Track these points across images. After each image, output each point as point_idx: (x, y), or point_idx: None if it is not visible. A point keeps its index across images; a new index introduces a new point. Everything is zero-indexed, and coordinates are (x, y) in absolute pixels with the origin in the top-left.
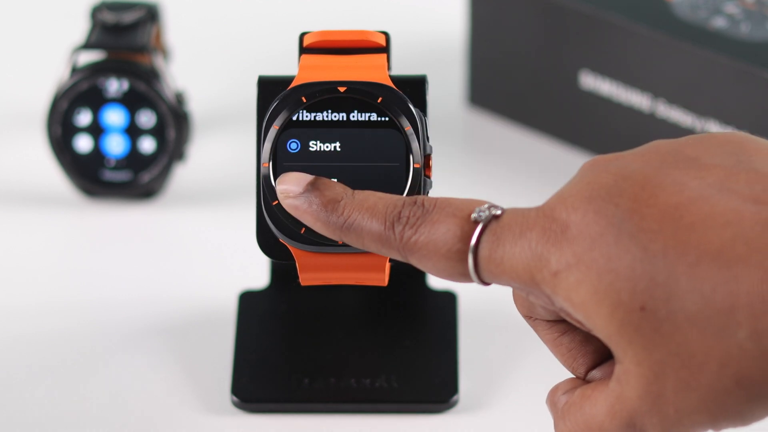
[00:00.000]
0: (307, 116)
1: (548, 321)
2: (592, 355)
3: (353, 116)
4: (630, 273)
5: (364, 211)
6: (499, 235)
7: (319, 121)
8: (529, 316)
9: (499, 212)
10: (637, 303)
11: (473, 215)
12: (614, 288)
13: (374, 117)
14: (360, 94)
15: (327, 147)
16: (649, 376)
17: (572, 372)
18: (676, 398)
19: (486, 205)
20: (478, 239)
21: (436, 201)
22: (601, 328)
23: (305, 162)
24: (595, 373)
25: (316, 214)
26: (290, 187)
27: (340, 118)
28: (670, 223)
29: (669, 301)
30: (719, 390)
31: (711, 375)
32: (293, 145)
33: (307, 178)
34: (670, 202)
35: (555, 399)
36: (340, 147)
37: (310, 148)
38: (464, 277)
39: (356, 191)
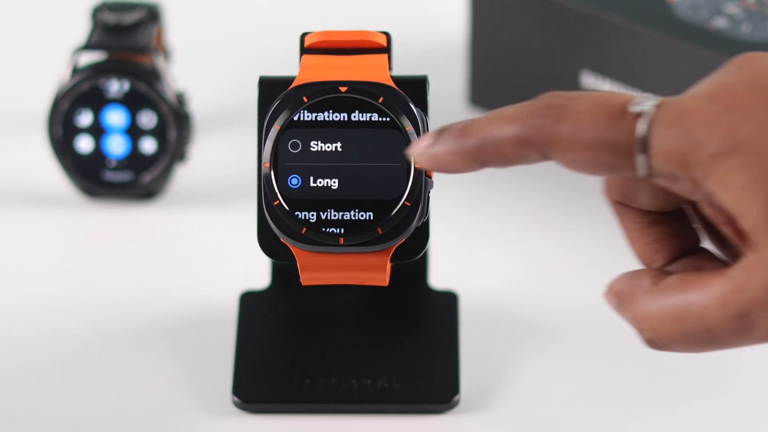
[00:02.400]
0: (308, 116)
1: (641, 210)
2: (677, 249)
3: (354, 116)
4: None
5: (495, 122)
6: (659, 121)
7: (321, 121)
8: (620, 202)
9: (657, 102)
10: None
11: (634, 108)
12: None
13: (375, 117)
14: (361, 94)
15: (328, 147)
16: None
17: (646, 264)
18: None
19: (641, 97)
20: (647, 130)
21: (574, 93)
22: (753, 214)
23: (306, 162)
24: (674, 267)
25: (454, 149)
26: (421, 143)
27: (341, 119)
28: None
29: None
30: None
31: None
32: (294, 145)
33: (430, 133)
34: None
35: (631, 285)
36: (341, 147)
37: (311, 149)
38: (608, 168)
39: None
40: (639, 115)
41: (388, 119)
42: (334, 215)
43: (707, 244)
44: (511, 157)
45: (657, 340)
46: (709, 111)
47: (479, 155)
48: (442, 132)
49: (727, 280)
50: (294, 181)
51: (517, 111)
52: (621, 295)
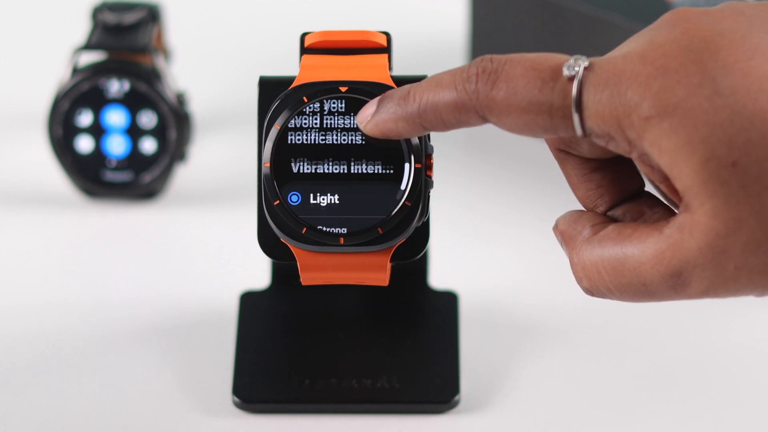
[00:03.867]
0: (308, 168)
1: (582, 158)
2: (619, 194)
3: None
4: (728, 128)
5: (433, 87)
6: (591, 84)
7: (321, 173)
8: (561, 150)
9: (587, 63)
10: (731, 158)
11: (565, 71)
12: (709, 140)
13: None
14: (361, 94)
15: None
16: (719, 231)
17: (589, 209)
18: (742, 256)
19: (572, 59)
20: (579, 92)
21: (507, 56)
22: (685, 177)
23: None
24: (617, 211)
25: (397, 116)
26: (365, 111)
27: (341, 171)
28: None
29: (763, 163)
30: None
31: None
32: (294, 197)
33: (374, 100)
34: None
35: (573, 229)
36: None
37: (311, 201)
38: (545, 130)
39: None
40: (572, 77)
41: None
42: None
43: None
44: (450, 122)
45: (593, 290)
46: (641, 72)
47: (420, 120)
48: (384, 99)
49: (663, 237)
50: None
51: (452, 76)
52: (564, 237)
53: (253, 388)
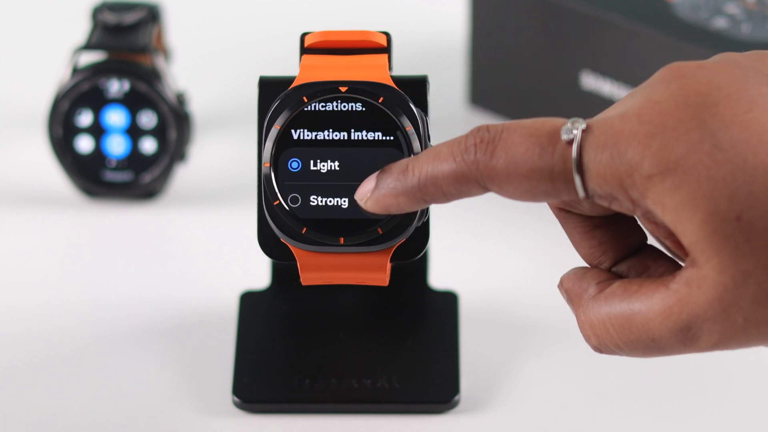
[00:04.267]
0: (308, 135)
1: (583, 216)
2: (622, 250)
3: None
4: (730, 183)
5: (431, 160)
6: (590, 146)
7: (321, 140)
8: (562, 209)
9: (584, 126)
10: (734, 212)
11: (563, 135)
12: (712, 196)
13: (376, 136)
14: (361, 94)
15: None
16: (728, 284)
17: (593, 265)
18: (751, 308)
19: (569, 123)
20: (579, 155)
21: (503, 124)
22: (690, 233)
23: (306, 181)
24: (621, 267)
25: (396, 190)
26: (362, 189)
27: (342, 137)
28: None
29: (767, 215)
30: None
31: None
32: (294, 164)
33: (372, 176)
34: (766, 118)
35: (578, 287)
36: (339, 167)
37: (311, 167)
38: (547, 195)
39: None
40: (570, 141)
41: (390, 138)
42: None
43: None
44: (451, 193)
45: (602, 347)
46: (639, 131)
47: (421, 194)
48: (382, 174)
49: (670, 293)
50: (294, 165)
51: (451, 148)
52: (569, 295)
53: (253, 388)
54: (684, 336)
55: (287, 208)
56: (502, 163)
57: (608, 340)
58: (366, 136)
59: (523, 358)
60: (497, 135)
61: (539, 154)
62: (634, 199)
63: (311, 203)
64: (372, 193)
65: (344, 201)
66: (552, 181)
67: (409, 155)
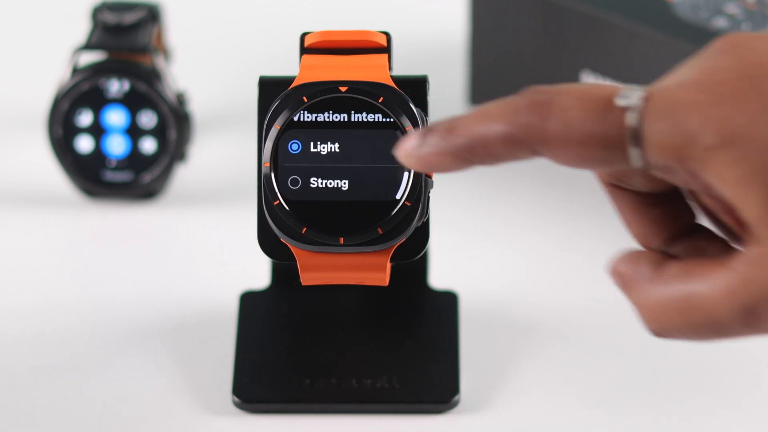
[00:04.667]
0: (308, 117)
1: (636, 192)
2: (675, 230)
3: (354, 117)
4: None
5: (480, 120)
6: (649, 114)
7: (321, 122)
8: (614, 185)
9: (644, 92)
10: None
11: (621, 101)
12: None
13: (376, 117)
14: (361, 94)
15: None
16: None
17: (643, 244)
18: None
19: (626, 89)
20: (638, 123)
21: (557, 87)
22: (752, 208)
23: (306, 163)
24: (674, 248)
25: (443, 150)
26: (407, 145)
27: (342, 119)
28: None
29: None
30: None
31: None
32: (294, 146)
33: (416, 132)
34: None
35: (633, 270)
36: (339, 148)
37: (311, 149)
38: (602, 163)
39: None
40: (627, 108)
41: (388, 120)
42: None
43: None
44: (501, 156)
45: (663, 331)
46: (700, 101)
47: (468, 155)
48: (429, 132)
49: (733, 273)
50: (294, 146)
51: (502, 109)
52: (623, 279)
53: (253, 388)
54: (748, 317)
55: (287, 207)
56: (557, 127)
57: (669, 324)
58: (366, 117)
59: (523, 358)
60: (552, 97)
61: (595, 120)
62: (693, 170)
63: (311, 185)
64: (415, 150)
65: (344, 183)
66: (608, 148)
67: None
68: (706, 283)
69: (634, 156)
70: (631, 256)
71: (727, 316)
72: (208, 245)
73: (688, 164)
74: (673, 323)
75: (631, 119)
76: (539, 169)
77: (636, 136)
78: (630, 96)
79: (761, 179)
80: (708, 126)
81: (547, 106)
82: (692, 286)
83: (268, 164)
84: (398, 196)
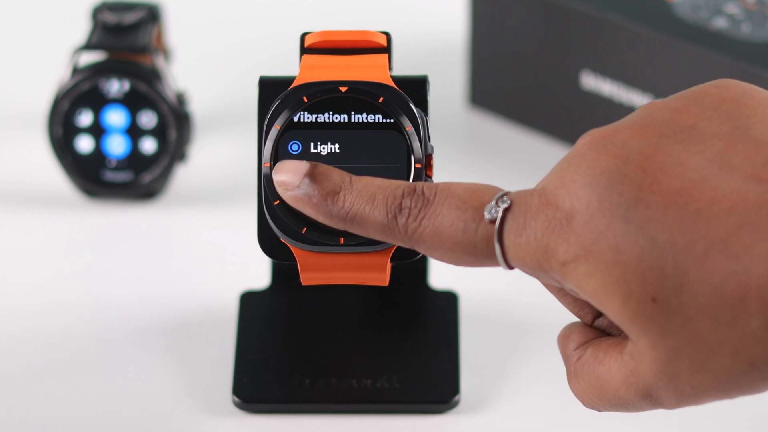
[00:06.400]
0: (308, 118)
1: None
2: (597, 310)
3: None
4: (639, 265)
5: (365, 202)
6: (510, 229)
7: (321, 122)
8: None
9: (507, 204)
10: (648, 295)
11: (486, 215)
12: (624, 280)
13: (376, 118)
14: (361, 94)
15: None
16: (663, 359)
17: (578, 317)
18: (692, 378)
19: (493, 201)
20: (500, 236)
21: (437, 190)
22: (614, 316)
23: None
24: (602, 321)
25: (317, 207)
26: (287, 179)
27: (342, 119)
28: (675, 211)
29: (680, 293)
30: (734, 372)
31: (725, 360)
32: (294, 147)
33: (304, 167)
34: (673, 187)
35: (567, 350)
36: (339, 149)
37: (311, 150)
38: (473, 264)
39: (354, 178)
40: (493, 221)
41: (388, 120)
42: None
43: None
44: (377, 239)
45: (593, 408)
46: (553, 216)
47: (344, 225)
48: (312, 179)
49: (623, 365)
50: (294, 147)
51: (386, 198)
52: (561, 354)
53: (253, 388)
54: (648, 400)
55: (287, 207)
56: (428, 232)
57: (594, 404)
58: (366, 118)
59: (523, 358)
60: (428, 202)
61: (463, 230)
62: (557, 280)
63: None
64: (291, 191)
65: None
66: (475, 256)
67: (410, 154)
68: (610, 372)
69: (503, 263)
70: (564, 333)
71: (631, 399)
72: (208, 245)
73: (551, 274)
74: (594, 403)
75: (495, 233)
76: (540, 168)
77: (501, 247)
78: (495, 208)
79: (614, 291)
80: (561, 243)
81: (423, 209)
82: (600, 373)
83: (268, 164)
84: None
